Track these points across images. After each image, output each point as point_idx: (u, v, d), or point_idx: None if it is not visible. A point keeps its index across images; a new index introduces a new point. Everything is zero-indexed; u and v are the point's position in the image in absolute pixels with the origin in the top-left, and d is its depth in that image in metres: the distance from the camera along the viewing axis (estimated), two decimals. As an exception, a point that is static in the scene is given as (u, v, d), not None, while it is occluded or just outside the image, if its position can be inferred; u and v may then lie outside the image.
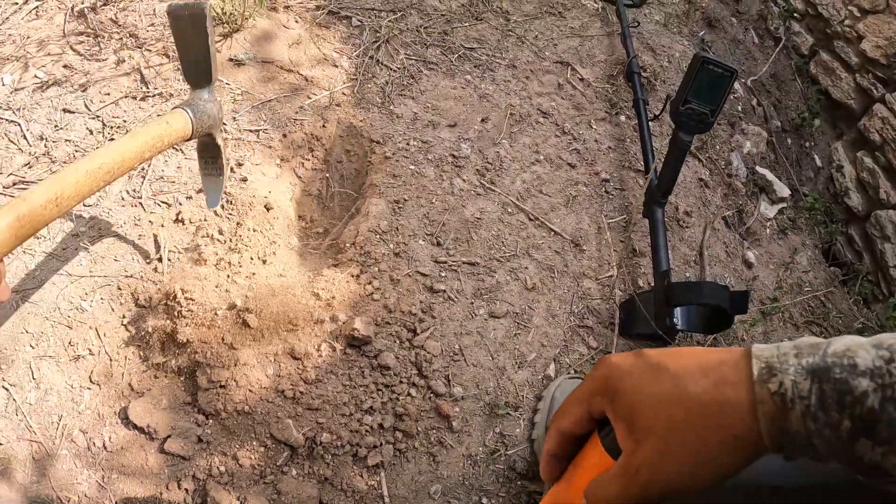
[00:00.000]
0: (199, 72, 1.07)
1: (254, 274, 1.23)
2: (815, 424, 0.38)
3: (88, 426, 1.20)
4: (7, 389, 1.23)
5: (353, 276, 1.24)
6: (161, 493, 1.15)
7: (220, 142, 1.18)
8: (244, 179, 1.38)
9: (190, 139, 1.06)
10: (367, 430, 1.14)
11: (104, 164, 0.85)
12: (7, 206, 0.74)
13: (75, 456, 1.18)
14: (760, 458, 0.41)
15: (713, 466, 0.41)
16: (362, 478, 1.14)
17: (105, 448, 1.19)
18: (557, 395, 1.23)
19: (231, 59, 1.61)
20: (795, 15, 2.58)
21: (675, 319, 1.37)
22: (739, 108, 2.15)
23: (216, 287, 1.20)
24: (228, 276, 1.22)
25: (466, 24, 1.85)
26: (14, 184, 1.49)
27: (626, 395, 0.44)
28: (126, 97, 1.59)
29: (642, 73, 1.93)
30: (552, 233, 1.45)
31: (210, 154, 1.20)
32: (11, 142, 1.56)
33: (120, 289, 1.31)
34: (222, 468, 1.14)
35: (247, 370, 1.13)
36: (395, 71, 1.65)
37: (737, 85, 2.22)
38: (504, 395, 1.24)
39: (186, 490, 1.15)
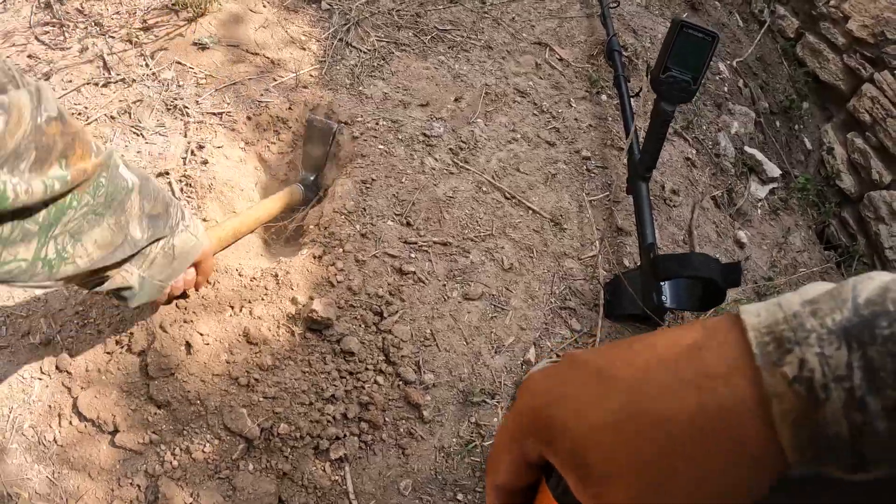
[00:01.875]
0: (312, 162, 1.40)
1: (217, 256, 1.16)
2: (864, 416, 0.23)
3: (39, 419, 1.12)
4: None
5: (314, 256, 1.16)
6: (113, 490, 1.07)
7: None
8: (205, 162, 1.32)
9: (300, 206, 1.39)
10: (329, 421, 1.06)
11: (258, 216, 1.24)
12: (211, 232, 1.09)
13: (26, 450, 1.11)
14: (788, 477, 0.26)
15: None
16: (325, 472, 1.05)
17: (56, 442, 1.11)
18: None
19: (195, 43, 1.55)
20: (781, -3, 2.53)
21: (663, 296, 1.30)
22: (725, 88, 2.09)
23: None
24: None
25: (440, 6, 1.80)
26: None
27: (565, 431, 0.28)
28: (88, 84, 1.53)
29: (623, 53, 1.87)
30: (530, 211, 1.38)
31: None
32: None
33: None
34: (175, 462, 1.06)
35: (198, 356, 1.06)
36: (365, 53, 1.59)
37: (722, 66, 2.16)
38: (480, 381, 1.17)
39: (139, 486, 1.06)
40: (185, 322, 1.08)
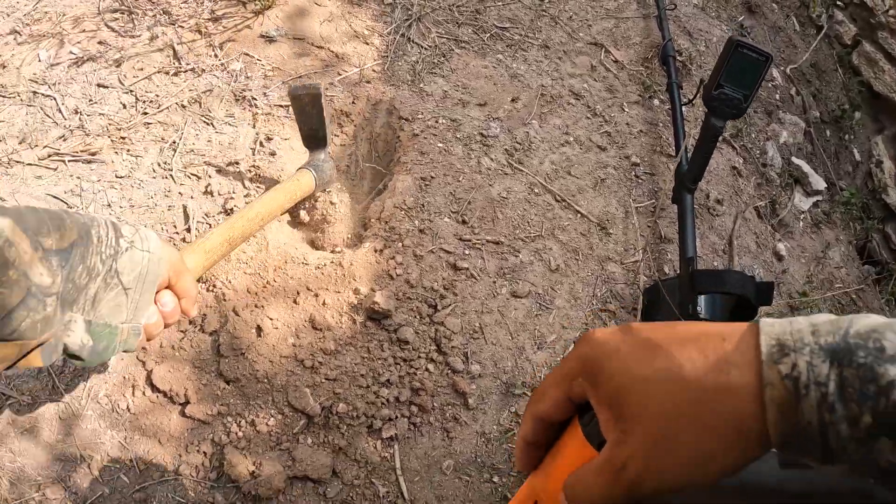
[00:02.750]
0: (316, 139, 1.29)
1: (282, 244, 1.24)
2: (831, 416, 0.32)
3: (113, 389, 1.23)
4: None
5: (376, 250, 1.24)
6: (181, 455, 1.17)
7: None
8: (272, 154, 1.40)
9: (314, 194, 1.31)
10: (383, 403, 1.15)
11: (259, 213, 1.14)
12: (196, 244, 1.02)
13: (99, 416, 1.21)
14: (765, 455, 0.35)
15: (711, 463, 0.34)
16: (376, 449, 1.15)
17: (129, 410, 1.22)
18: None
19: (262, 36, 1.62)
20: (839, 3, 2.49)
21: (698, 308, 1.35)
22: (777, 96, 2.09)
23: (244, 253, 1.22)
24: (255, 246, 1.24)
25: (499, 3, 1.83)
26: (49, 156, 1.52)
27: (612, 378, 0.37)
28: (159, 72, 1.61)
29: (677, 57, 1.89)
30: (579, 215, 1.44)
31: None
32: (47, 115, 1.60)
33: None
34: (240, 433, 1.16)
35: (267, 339, 1.15)
36: (426, 49, 1.64)
37: (775, 73, 2.16)
38: (521, 374, 1.24)
39: (205, 453, 1.16)
40: (256, 307, 1.18)
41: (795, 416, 0.33)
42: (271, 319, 1.16)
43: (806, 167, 1.93)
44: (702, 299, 1.38)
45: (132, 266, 0.73)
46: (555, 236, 1.39)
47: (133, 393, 1.22)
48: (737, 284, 1.25)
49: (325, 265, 1.23)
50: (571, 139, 1.57)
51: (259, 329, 1.16)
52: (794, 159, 1.95)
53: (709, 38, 2.12)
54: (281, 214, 1.25)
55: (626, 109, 1.70)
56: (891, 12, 2.19)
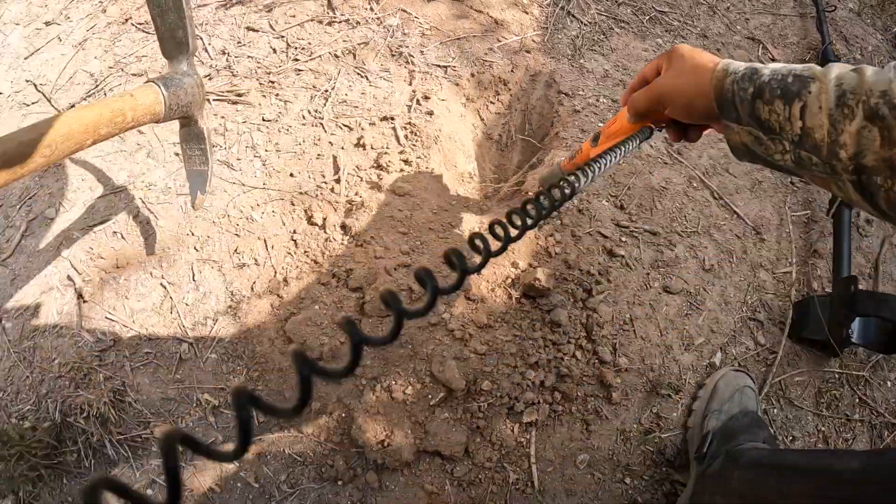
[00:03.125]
0: (174, 41, 0.92)
1: (435, 209, 1.21)
2: (736, 87, 0.63)
3: (239, 336, 1.22)
4: (165, 287, 1.27)
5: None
6: (306, 413, 1.15)
7: (202, 126, 0.99)
8: (430, 113, 1.36)
9: (162, 120, 0.93)
10: (528, 385, 1.11)
11: (49, 139, 0.75)
12: None
13: (222, 360, 1.21)
14: (710, 112, 0.68)
15: (687, 92, 0.69)
16: (513, 433, 1.12)
17: (255, 357, 1.20)
18: (721, 386, 1.17)
19: (421, -9, 1.58)
20: None
21: (851, 331, 1.27)
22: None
23: (399, 211, 1.19)
24: (410, 204, 1.21)
25: (658, -15, 1.75)
26: None
27: (674, 59, 0.72)
28: (312, 20, 1.59)
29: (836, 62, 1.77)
30: (735, 215, 1.37)
31: (193, 141, 1.02)
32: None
33: (293, 204, 1.32)
34: (373, 398, 1.13)
35: (417, 303, 1.13)
36: (585, 25, 1.58)
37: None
38: (668, 375, 1.19)
39: (330, 413, 1.14)
40: (405, 267, 1.15)
41: (722, 86, 0.65)
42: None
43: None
44: (857, 322, 1.29)
45: None
46: (710, 234, 1.32)
47: (261, 341, 1.20)
48: (900, 312, 1.18)
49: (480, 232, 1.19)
50: (730, 136, 1.49)
51: (411, 290, 1.14)
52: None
53: (864, 47, 1.98)
54: (98, 141, 0.86)
55: (786, 111, 1.60)
56: None
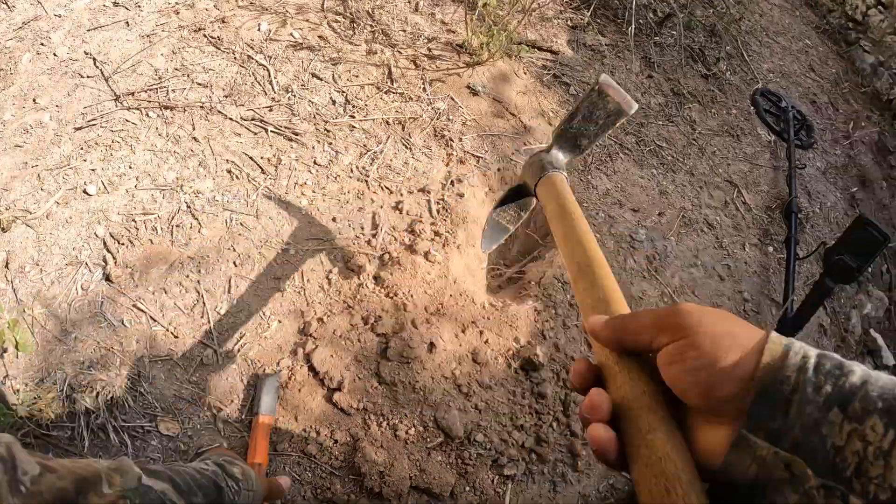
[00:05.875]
0: (574, 142, 0.95)
1: (456, 280, 1.45)
2: (802, 376, 0.38)
3: (264, 354, 1.34)
4: (199, 292, 1.39)
5: (536, 310, 1.45)
6: (312, 435, 1.28)
7: (533, 202, 1.03)
8: (461, 195, 1.61)
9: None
10: (513, 443, 1.33)
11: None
12: None
13: (240, 373, 1.32)
14: (727, 402, 0.41)
15: (717, 359, 0.41)
16: (492, 483, 1.32)
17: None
18: None
19: (468, 87, 1.85)
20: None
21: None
22: (869, 270, 2.30)
23: (428, 274, 1.42)
24: (438, 270, 1.44)
25: (660, 121, 2.07)
26: (252, 119, 1.70)
27: (686, 317, 0.44)
28: (371, 85, 1.83)
29: (798, 214, 2.10)
30: (695, 331, 1.64)
31: (518, 202, 1.06)
32: (257, 82, 1.78)
33: (333, 247, 1.51)
34: (378, 433, 1.30)
35: (436, 357, 1.35)
36: (597, 146, 1.87)
37: (872, 250, 2.37)
38: (622, 453, 1.43)
39: (336, 441, 1.28)
40: (430, 325, 1.38)
41: (780, 367, 0.38)
42: (443, 341, 1.36)
43: (881, 341, 2.12)
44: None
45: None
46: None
47: (285, 363, 1.34)
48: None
49: (490, 308, 1.43)
50: (699, 263, 1.78)
51: (432, 346, 1.36)
52: (872, 331, 2.14)
53: (824, 202, 2.34)
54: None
55: (747, 249, 1.91)
56: None
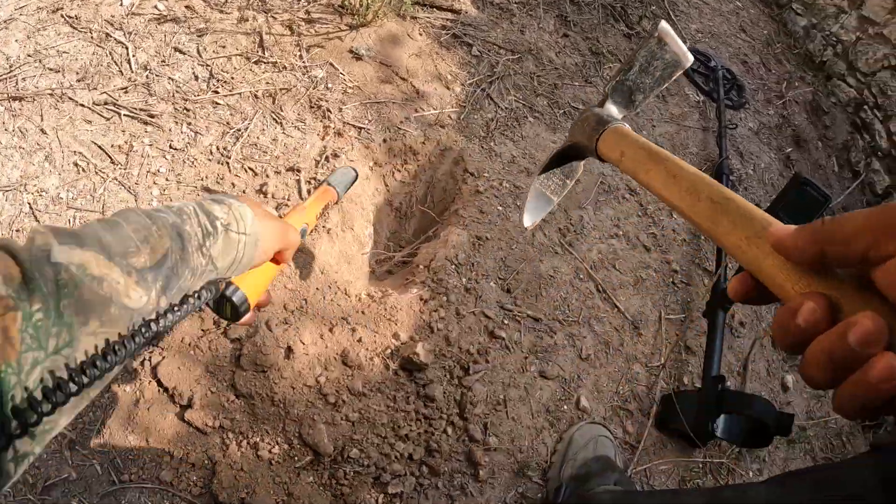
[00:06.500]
0: (629, 96, 0.85)
1: (324, 270, 1.22)
2: None
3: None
4: None
5: (422, 299, 1.23)
6: (166, 460, 1.10)
7: (581, 167, 0.93)
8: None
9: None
10: (396, 457, 1.12)
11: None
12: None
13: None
14: None
15: None
16: (377, 503, 1.11)
17: (122, 396, 1.15)
18: (577, 437, 1.22)
19: (351, 51, 1.62)
20: (878, 153, 2.59)
21: (715, 426, 1.36)
22: (809, 234, 2.15)
23: (288, 266, 1.19)
24: (302, 260, 1.21)
25: (576, 83, 1.87)
26: (105, 103, 1.48)
27: None
28: (240, 56, 1.60)
29: (730, 176, 1.93)
30: (616, 309, 1.45)
31: (564, 169, 0.93)
32: (114, 62, 1.56)
33: None
34: (238, 454, 1.11)
35: (296, 363, 1.12)
36: (502, 109, 1.66)
37: (812, 211, 2.22)
38: (535, 456, 1.22)
39: (193, 465, 1.10)
40: (288, 325, 1.15)
41: None
42: (303, 344, 1.13)
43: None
44: (721, 419, 1.39)
45: (227, 251, 0.66)
46: (590, 325, 1.39)
47: (132, 379, 1.16)
48: (763, 411, 1.27)
49: (367, 300, 1.21)
50: (620, 233, 1.58)
51: (289, 350, 1.13)
52: (815, 299, 1.99)
53: (757, 163, 2.18)
54: None
55: (675, 216, 1.73)
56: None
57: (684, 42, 0.79)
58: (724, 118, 2.07)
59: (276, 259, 0.83)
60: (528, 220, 0.93)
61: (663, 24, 0.79)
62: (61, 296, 0.46)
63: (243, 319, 0.81)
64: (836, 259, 0.36)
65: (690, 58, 0.82)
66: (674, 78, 0.82)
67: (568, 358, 1.33)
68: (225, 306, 0.77)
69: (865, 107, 2.67)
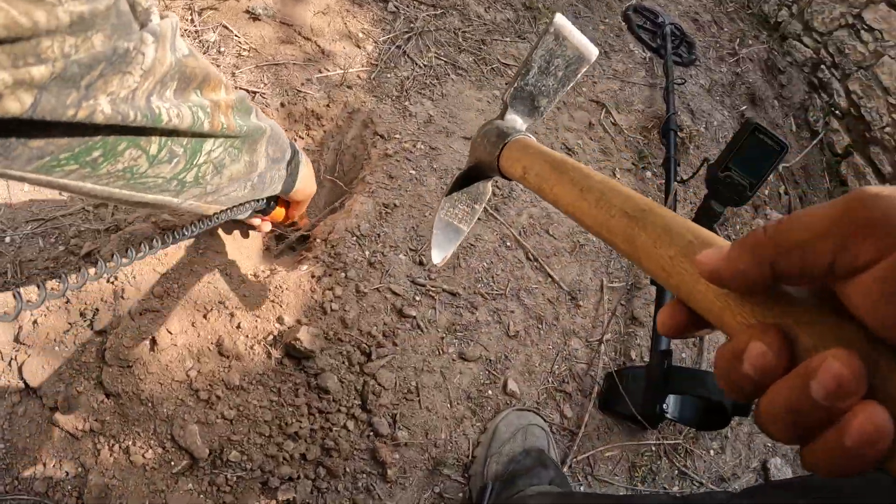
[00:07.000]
0: (531, 102, 0.75)
1: (208, 244, 1.05)
2: None
3: None
4: None
5: (314, 276, 1.06)
6: (39, 468, 0.94)
7: (489, 188, 0.85)
8: (223, 141, 1.21)
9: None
10: (285, 459, 0.96)
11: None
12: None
13: None
14: None
15: None
16: (268, 512, 0.95)
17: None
18: (502, 427, 1.07)
19: (248, 11, 1.45)
20: (836, 112, 2.48)
21: (665, 406, 1.22)
22: (766, 192, 2.02)
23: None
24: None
25: (507, 38, 1.71)
26: None
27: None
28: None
29: (679, 133, 1.79)
30: (550, 279, 1.30)
31: (470, 193, 0.82)
32: None
33: (57, 226, 1.14)
34: (111, 460, 0.95)
35: (162, 356, 0.96)
36: (420, 67, 1.50)
37: (770, 170, 2.10)
38: (454, 451, 1.07)
39: (67, 473, 0.95)
40: (154, 313, 0.98)
41: None
42: (170, 334, 0.97)
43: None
44: (671, 398, 1.25)
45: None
46: (519, 298, 1.24)
47: (2, 378, 1.00)
48: (716, 389, 1.12)
49: (250, 280, 1.04)
50: (556, 195, 1.43)
51: (154, 342, 0.96)
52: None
53: (710, 121, 2.05)
54: None
55: (618, 176, 1.58)
56: (887, 129, 2.16)
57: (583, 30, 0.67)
58: (672, 73, 1.93)
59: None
60: (437, 256, 0.80)
61: (558, 17, 0.70)
62: (245, 134, 0.74)
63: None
64: (791, 274, 0.27)
65: (595, 50, 0.73)
66: (580, 74, 0.73)
67: (493, 336, 1.18)
68: None
69: (823, 66, 2.55)
